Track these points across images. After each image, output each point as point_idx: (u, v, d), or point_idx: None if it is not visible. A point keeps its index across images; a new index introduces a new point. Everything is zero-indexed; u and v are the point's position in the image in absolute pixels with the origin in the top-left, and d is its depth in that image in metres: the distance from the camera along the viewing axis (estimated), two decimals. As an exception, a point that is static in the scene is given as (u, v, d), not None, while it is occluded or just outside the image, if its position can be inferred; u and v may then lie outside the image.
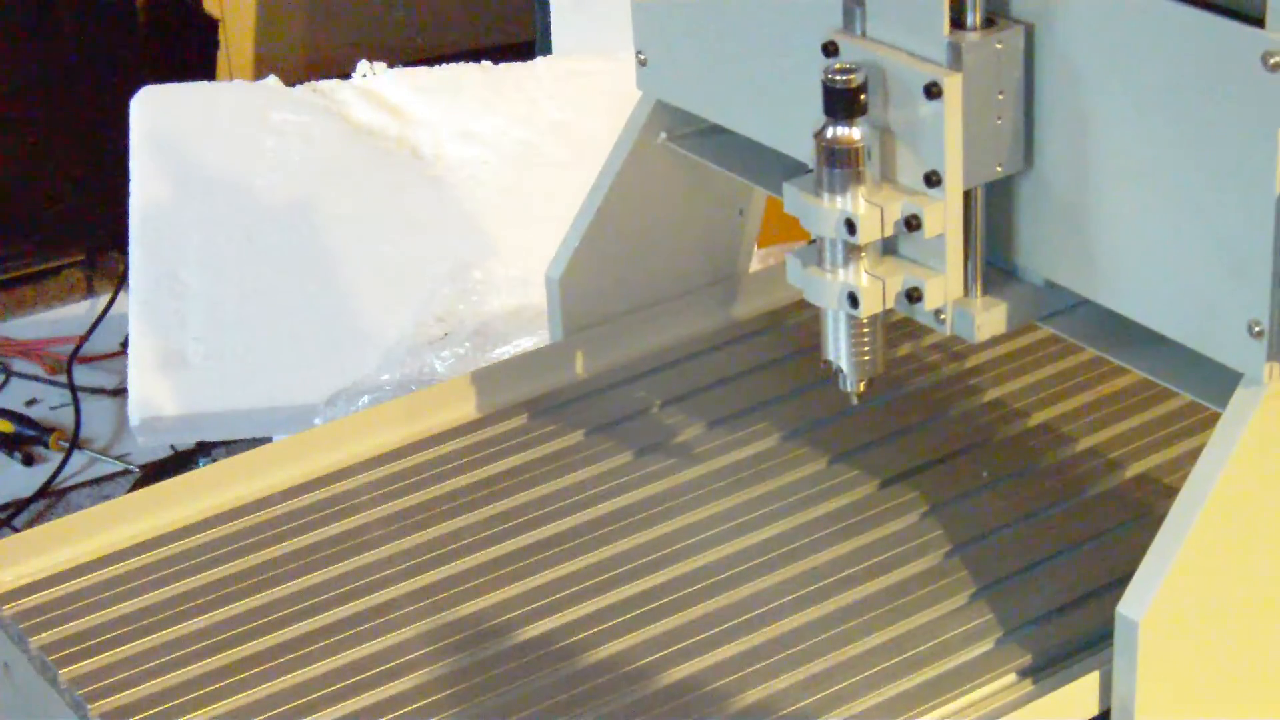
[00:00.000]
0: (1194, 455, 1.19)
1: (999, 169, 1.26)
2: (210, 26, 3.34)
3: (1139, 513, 1.38)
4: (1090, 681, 1.21)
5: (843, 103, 1.22)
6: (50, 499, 2.87)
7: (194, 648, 1.31)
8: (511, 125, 2.38)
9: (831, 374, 1.32)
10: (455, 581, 1.36)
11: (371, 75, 2.47)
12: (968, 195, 1.26)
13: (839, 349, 1.30)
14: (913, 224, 1.24)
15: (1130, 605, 1.17)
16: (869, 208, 1.23)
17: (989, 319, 1.29)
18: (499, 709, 1.25)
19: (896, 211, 1.24)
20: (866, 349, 1.30)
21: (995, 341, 1.57)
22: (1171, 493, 1.18)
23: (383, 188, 2.28)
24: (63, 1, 3.19)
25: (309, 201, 2.25)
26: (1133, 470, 1.43)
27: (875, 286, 1.26)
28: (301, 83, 2.45)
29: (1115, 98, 1.20)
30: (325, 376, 1.99)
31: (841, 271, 1.26)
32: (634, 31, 1.52)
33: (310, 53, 3.44)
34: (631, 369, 1.58)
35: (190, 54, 3.34)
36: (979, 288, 1.30)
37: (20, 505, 2.84)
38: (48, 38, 3.20)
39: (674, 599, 1.33)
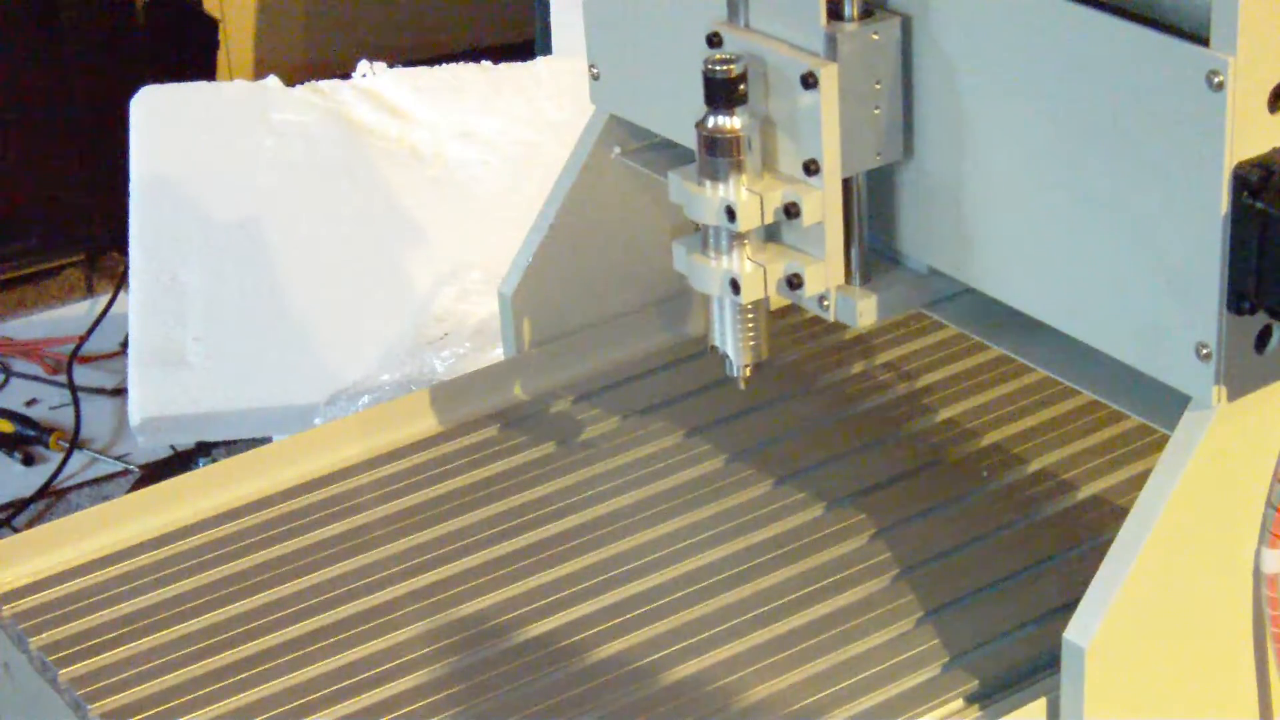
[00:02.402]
0: (1146, 477, 1.17)
1: (878, 157, 1.26)
2: (210, 26, 3.34)
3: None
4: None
5: (722, 92, 1.23)
6: (50, 499, 2.87)
7: (194, 648, 1.32)
8: (511, 125, 2.38)
9: (727, 371, 1.33)
10: (455, 581, 1.36)
11: (371, 75, 2.47)
12: (848, 183, 1.27)
13: (724, 335, 1.32)
14: (792, 212, 1.25)
15: (1077, 631, 1.15)
16: (749, 196, 1.24)
17: (870, 305, 1.30)
18: (499, 709, 1.25)
19: (776, 199, 1.25)
20: (751, 334, 1.31)
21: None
22: (1123, 515, 1.16)
23: (382, 188, 2.28)
24: (63, 1, 3.19)
25: (309, 201, 2.25)
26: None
27: (757, 273, 1.27)
28: (301, 83, 2.46)
29: (992, 93, 1.20)
30: (325, 376, 1.99)
31: (724, 259, 1.27)
32: (587, 45, 1.51)
33: (310, 53, 3.44)
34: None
35: (190, 54, 3.33)
36: (861, 274, 1.30)
37: (20, 505, 2.84)
38: (48, 38, 3.20)
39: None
